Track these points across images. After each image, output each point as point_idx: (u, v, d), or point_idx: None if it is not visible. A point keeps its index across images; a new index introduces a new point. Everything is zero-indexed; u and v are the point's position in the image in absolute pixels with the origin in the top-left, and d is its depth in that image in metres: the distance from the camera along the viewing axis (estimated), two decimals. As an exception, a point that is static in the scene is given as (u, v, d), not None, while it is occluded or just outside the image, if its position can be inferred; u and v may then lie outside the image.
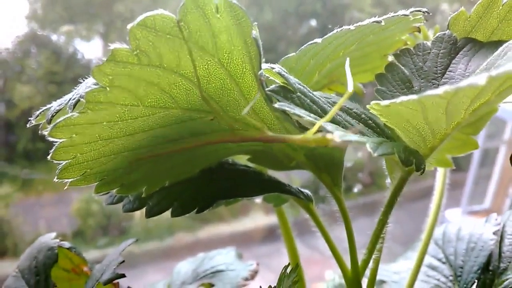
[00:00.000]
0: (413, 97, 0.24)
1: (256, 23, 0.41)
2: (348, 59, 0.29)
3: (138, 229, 1.41)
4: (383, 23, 0.37)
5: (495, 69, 0.30)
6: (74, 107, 0.33)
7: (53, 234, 0.48)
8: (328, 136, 0.25)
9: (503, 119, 1.41)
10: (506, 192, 1.47)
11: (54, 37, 1.49)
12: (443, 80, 0.37)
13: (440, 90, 0.23)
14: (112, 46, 0.26)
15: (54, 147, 0.30)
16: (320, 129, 0.29)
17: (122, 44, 0.26)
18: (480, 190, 1.58)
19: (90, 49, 1.55)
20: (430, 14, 0.41)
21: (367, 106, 0.29)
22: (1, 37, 1.37)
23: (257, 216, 1.53)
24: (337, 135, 0.26)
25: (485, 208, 1.57)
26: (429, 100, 0.25)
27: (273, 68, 0.30)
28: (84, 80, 0.38)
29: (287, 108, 0.27)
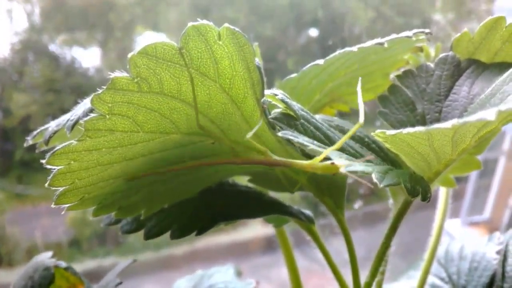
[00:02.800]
0: (421, 129, 0.24)
1: (257, 43, 0.41)
2: (359, 85, 0.29)
3: (135, 239, 1.40)
4: (386, 45, 0.36)
5: (500, 95, 0.30)
6: (72, 129, 0.33)
7: (49, 254, 0.47)
8: (337, 163, 0.25)
9: (503, 130, 1.41)
10: (506, 203, 1.46)
11: (52, 46, 1.48)
12: (446, 102, 0.36)
13: (449, 124, 0.22)
14: (112, 74, 0.25)
15: (52, 174, 0.29)
16: (326, 157, 0.28)
17: (122, 72, 0.26)
18: (479, 200, 1.58)
19: (88, 57, 1.55)
20: (432, 34, 0.41)
21: (372, 134, 0.28)
22: (-1, 45, 1.36)
23: (256, 226, 1.52)
24: (343, 166, 0.26)
25: (485, 218, 1.56)
26: (436, 131, 0.25)
27: (276, 95, 0.29)
28: (81, 100, 0.37)
29: (290, 137, 0.27)
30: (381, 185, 0.25)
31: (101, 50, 1.51)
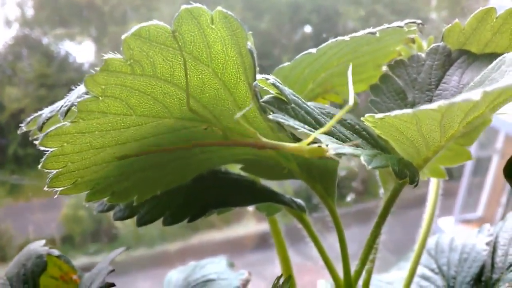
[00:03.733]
0: (408, 111, 0.24)
1: (251, 32, 0.41)
2: (350, 68, 0.29)
3: (128, 235, 1.40)
4: (377, 35, 0.37)
5: (489, 82, 0.31)
6: (65, 115, 0.33)
7: (42, 242, 0.47)
8: (324, 146, 0.25)
9: (496, 128, 1.42)
10: (499, 201, 1.47)
11: (45, 40, 1.48)
12: (437, 91, 0.37)
13: (435, 105, 0.23)
14: (106, 56, 0.26)
15: (45, 156, 0.29)
16: (315, 140, 0.29)
17: (115, 54, 0.26)
18: (472, 198, 1.59)
19: (82, 53, 1.54)
20: (424, 25, 0.41)
21: (362, 118, 0.29)
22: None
23: (250, 223, 1.52)
24: (331, 148, 0.26)
25: (478, 216, 1.57)
26: (424, 113, 0.25)
27: (268, 79, 0.30)
28: (76, 87, 0.37)
29: (281, 120, 0.27)
30: (369, 167, 0.26)
31: (95, 46, 1.51)
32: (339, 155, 0.26)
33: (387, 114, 0.26)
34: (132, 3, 1.48)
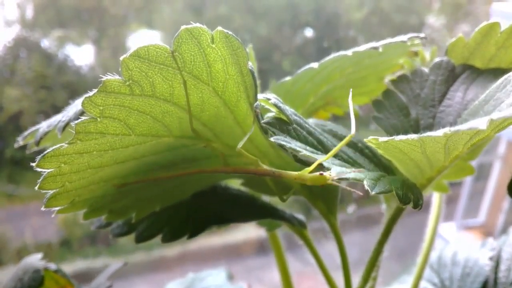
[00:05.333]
0: (413, 136, 0.24)
1: (251, 45, 0.41)
2: (350, 94, 0.29)
3: (126, 239, 1.39)
4: (380, 49, 0.36)
5: (494, 102, 0.30)
6: (63, 130, 0.32)
7: (39, 255, 0.47)
8: (326, 174, 0.25)
9: (498, 134, 1.41)
10: (500, 207, 1.47)
11: (45, 42, 1.47)
12: (440, 107, 0.36)
13: (440, 132, 0.22)
14: (104, 77, 0.25)
15: (42, 177, 0.28)
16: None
17: (114, 75, 0.25)
18: (474, 204, 1.58)
19: (82, 55, 1.54)
20: (426, 38, 0.40)
21: (365, 140, 0.28)
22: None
23: (249, 228, 1.51)
24: (334, 172, 0.25)
25: (480, 222, 1.57)
26: (429, 139, 0.25)
27: (269, 99, 0.29)
28: (74, 101, 0.37)
29: (283, 142, 0.27)
30: (373, 193, 0.25)
31: (94, 48, 1.50)
32: (342, 180, 0.25)
33: (391, 138, 0.25)
34: (132, 6, 1.48)
